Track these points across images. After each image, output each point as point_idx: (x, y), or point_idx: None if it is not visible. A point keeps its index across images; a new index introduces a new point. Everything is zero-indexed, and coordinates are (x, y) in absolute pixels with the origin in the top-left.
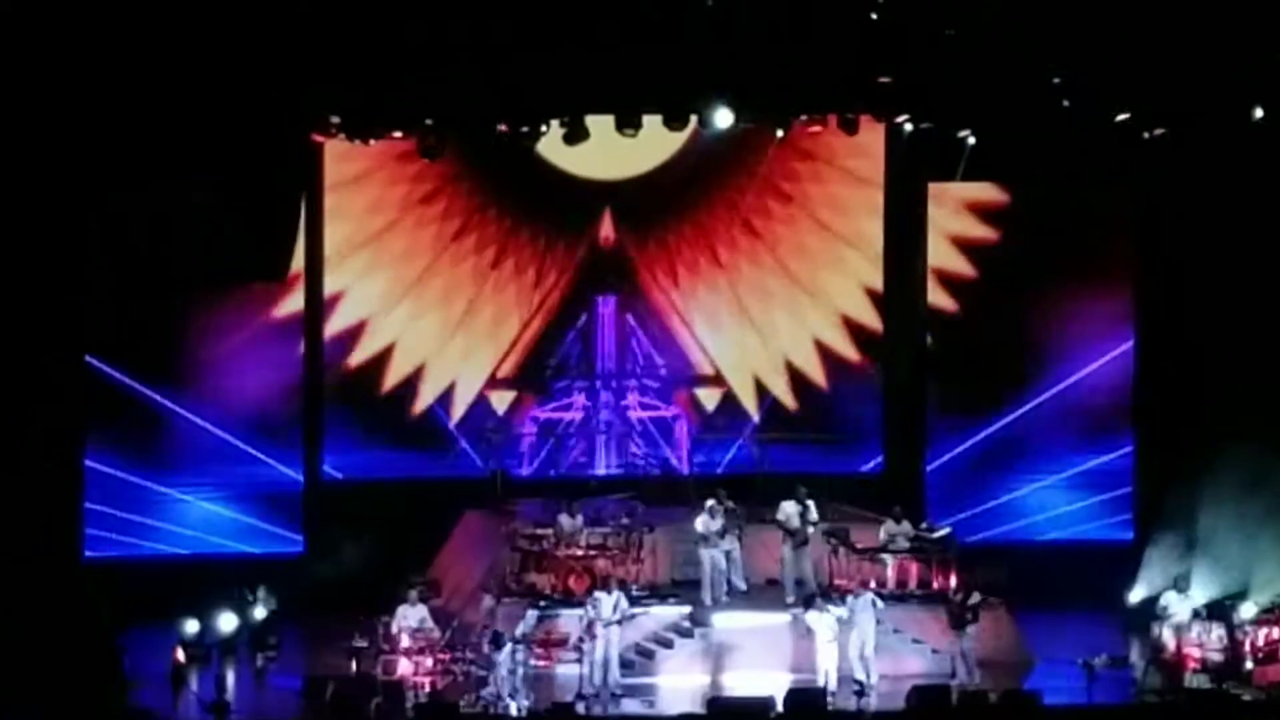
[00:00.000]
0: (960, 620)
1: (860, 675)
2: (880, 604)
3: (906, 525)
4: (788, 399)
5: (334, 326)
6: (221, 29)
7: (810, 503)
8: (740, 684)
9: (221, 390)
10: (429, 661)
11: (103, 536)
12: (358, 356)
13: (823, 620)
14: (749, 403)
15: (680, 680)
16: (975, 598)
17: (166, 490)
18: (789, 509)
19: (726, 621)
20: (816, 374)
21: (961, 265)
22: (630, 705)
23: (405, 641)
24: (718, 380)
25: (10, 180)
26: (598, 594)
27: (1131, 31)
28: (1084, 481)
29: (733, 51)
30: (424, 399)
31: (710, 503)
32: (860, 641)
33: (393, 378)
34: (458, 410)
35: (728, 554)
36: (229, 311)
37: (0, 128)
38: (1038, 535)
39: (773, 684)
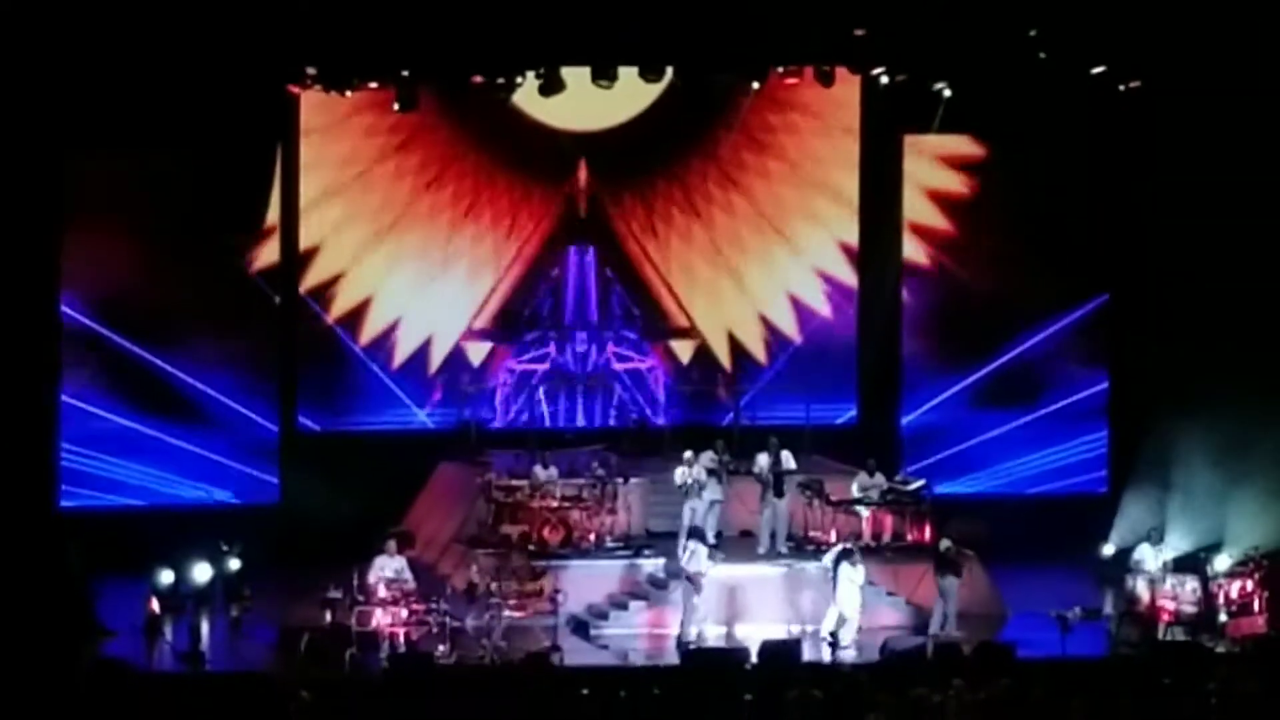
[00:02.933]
0: (943, 568)
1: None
2: (858, 557)
3: (880, 478)
4: (759, 352)
5: (311, 280)
6: None
7: (784, 453)
8: (716, 635)
9: (197, 342)
10: (404, 613)
11: (76, 489)
12: (335, 310)
13: (857, 573)
14: (723, 356)
15: (656, 631)
16: (944, 544)
17: (141, 440)
18: (763, 461)
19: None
20: (790, 327)
21: (937, 219)
22: (605, 656)
23: (381, 592)
24: (692, 333)
25: None
26: (691, 544)
27: None
28: (1059, 433)
29: (709, 2)
30: (402, 352)
31: (688, 454)
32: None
33: (369, 331)
34: (435, 362)
35: (711, 503)
36: (206, 261)
37: None
38: (1012, 488)
39: (748, 634)
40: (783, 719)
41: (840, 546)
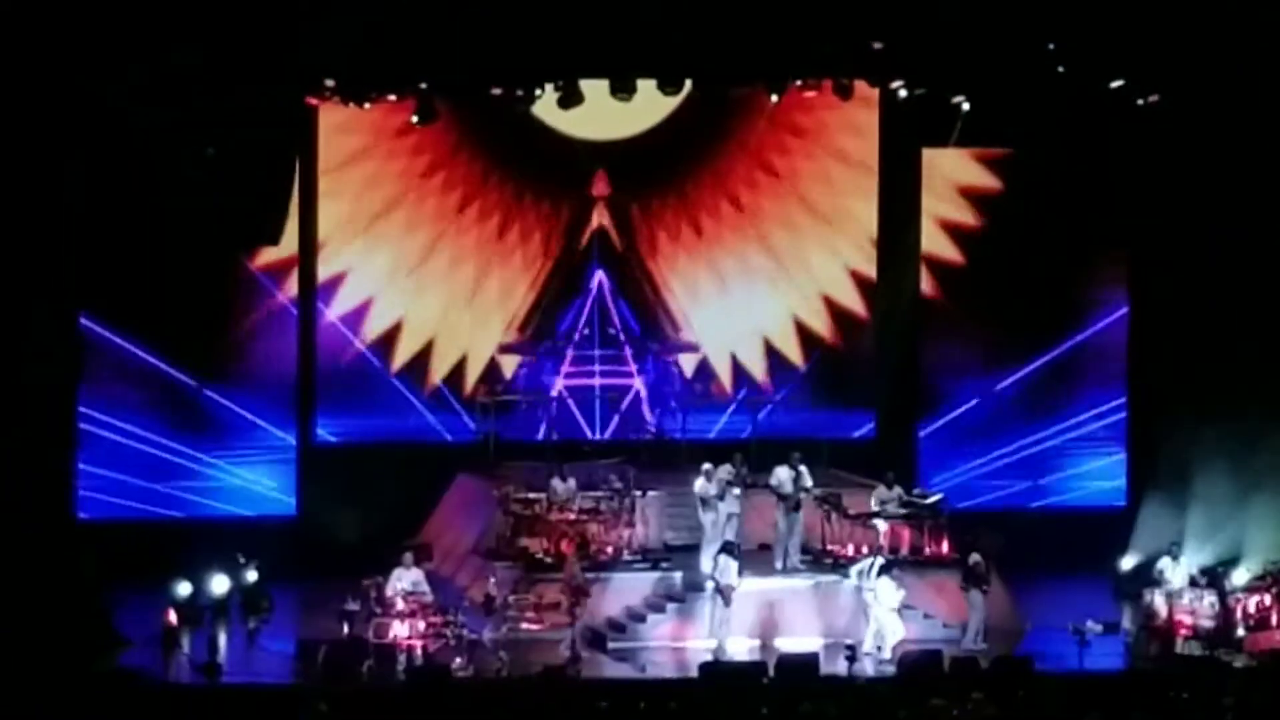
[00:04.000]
0: (971, 581)
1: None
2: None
3: (898, 491)
4: (759, 373)
5: (339, 308)
6: None
7: (803, 468)
8: (734, 649)
9: (215, 354)
10: (421, 625)
11: (96, 498)
12: (366, 336)
13: (892, 587)
14: (745, 367)
15: (673, 645)
16: (973, 558)
17: (161, 453)
18: (782, 474)
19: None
20: (793, 351)
21: (956, 232)
22: (622, 669)
23: (399, 605)
24: (710, 344)
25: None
26: (721, 557)
27: None
28: (1077, 447)
29: (728, 15)
30: (436, 374)
31: (706, 466)
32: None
33: (402, 355)
34: (470, 382)
35: (729, 516)
36: (223, 272)
37: None
38: (1030, 501)
39: (766, 649)
40: None
41: (877, 559)
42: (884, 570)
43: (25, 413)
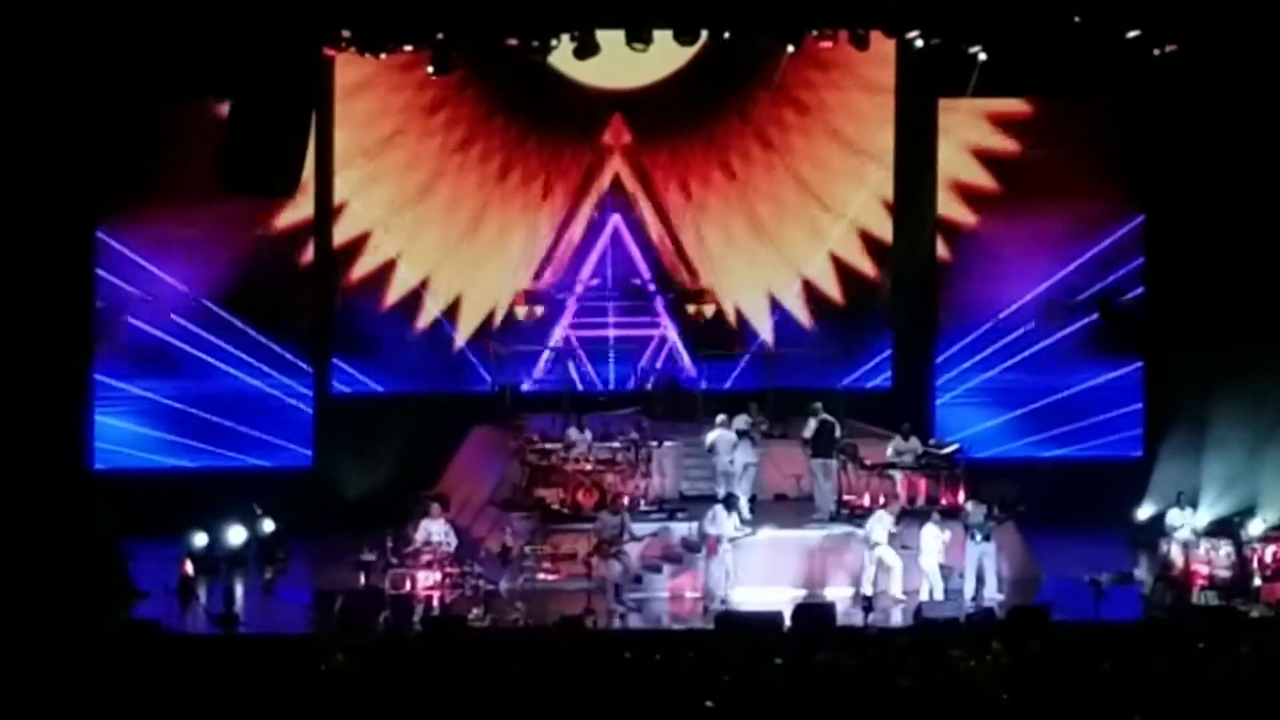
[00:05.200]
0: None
1: (870, 589)
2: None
3: (914, 442)
4: (802, 314)
5: (335, 239)
6: None
7: (828, 416)
8: (749, 599)
9: (231, 305)
10: (437, 575)
11: (112, 449)
12: (359, 270)
13: (937, 535)
14: (758, 317)
15: (690, 595)
16: (969, 506)
17: (175, 403)
18: (814, 424)
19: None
20: (832, 289)
21: (975, 180)
22: (638, 620)
23: (423, 555)
24: (726, 294)
25: (21, 90)
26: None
27: None
28: (1094, 398)
29: None
30: (428, 314)
31: (720, 416)
32: (879, 556)
33: (395, 292)
34: (465, 325)
35: (745, 466)
36: (239, 225)
37: (13, 39)
38: (1047, 451)
39: (782, 599)
40: (814, 682)
41: (892, 509)
42: (926, 519)
43: (40, 367)
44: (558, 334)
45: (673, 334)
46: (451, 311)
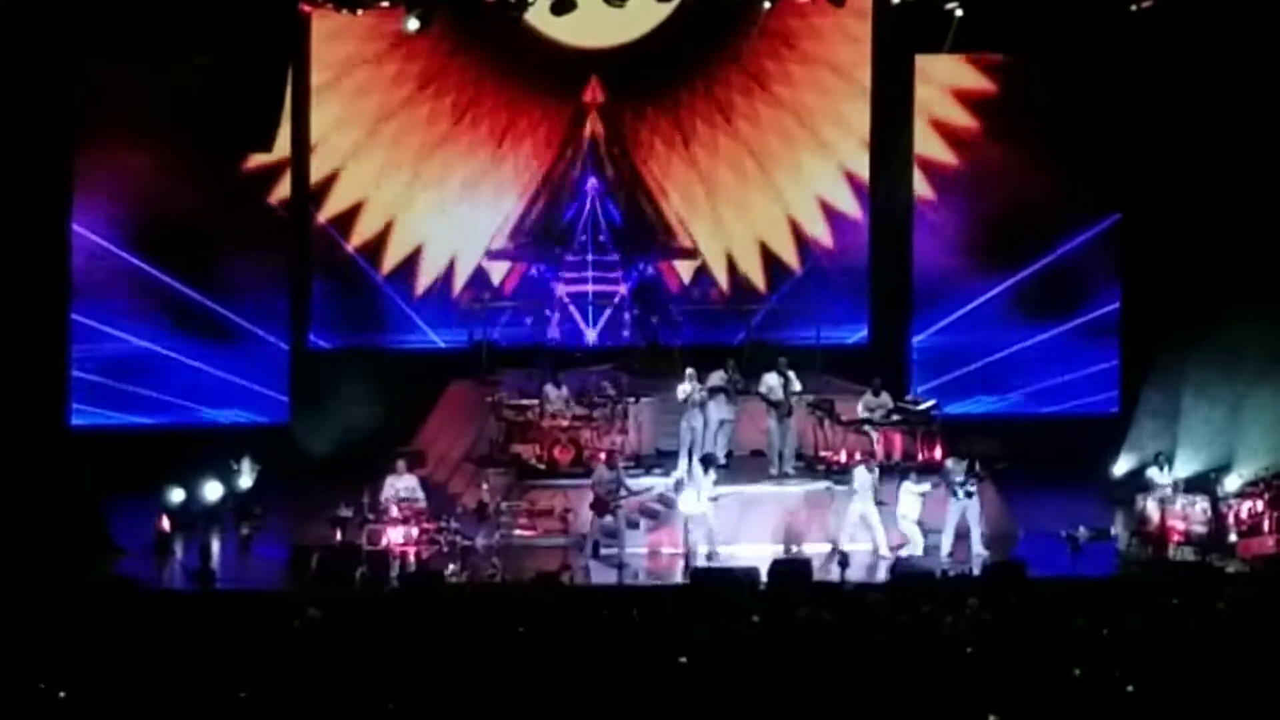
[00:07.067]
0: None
1: (849, 546)
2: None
3: (886, 398)
4: (758, 278)
5: (330, 209)
6: None
7: (791, 373)
8: (725, 555)
9: (208, 259)
10: (414, 531)
11: (86, 407)
12: (356, 239)
13: (913, 491)
14: (736, 271)
15: (667, 550)
16: (949, 463)
17: (152, 358)
18: (771, 381)
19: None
20: (789, 255)
21: (950, 139)
22: (613, 576)
23: (393, 511)
24: (702, 250)
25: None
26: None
27: None
28: (1070, 352)
29: None
30: (425, 278)
31: (690, 370)
32: (861, 512)
33: (392, 258)
34: (459, 286)
35: (721, 423)
36: (217, 178)
37: None
38: (1023, 407)
39: (759, 555)
40: (792, 638)
41: (871, 465)
42: (904, 476)
43: (16, 321)
44: (554, 288)
45: (627, 290)
46: (446, 275)
